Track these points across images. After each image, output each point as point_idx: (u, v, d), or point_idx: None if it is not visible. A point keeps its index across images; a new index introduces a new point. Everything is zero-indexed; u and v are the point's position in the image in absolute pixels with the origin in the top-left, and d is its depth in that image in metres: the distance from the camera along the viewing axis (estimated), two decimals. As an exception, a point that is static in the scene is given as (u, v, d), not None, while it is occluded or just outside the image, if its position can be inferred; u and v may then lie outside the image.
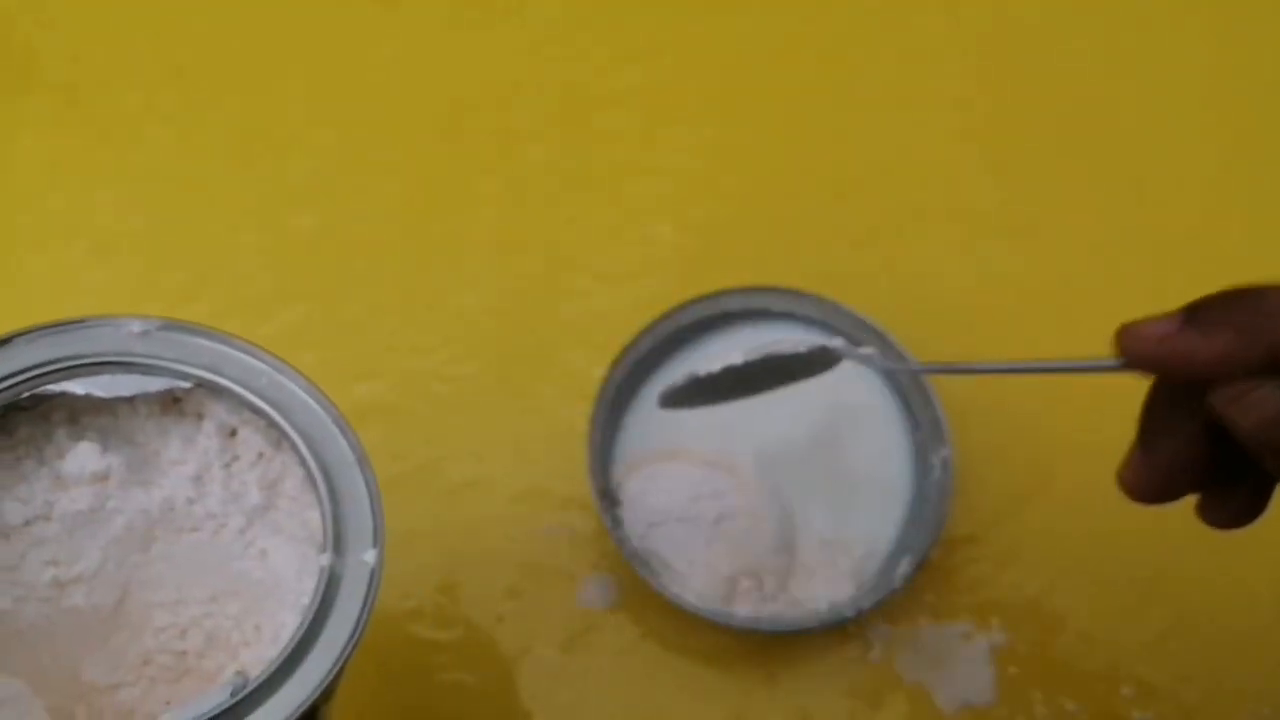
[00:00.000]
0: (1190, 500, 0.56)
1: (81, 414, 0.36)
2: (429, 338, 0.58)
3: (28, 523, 0.34)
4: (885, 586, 0.50)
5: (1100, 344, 0.60)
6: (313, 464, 0.33)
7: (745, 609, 0.50)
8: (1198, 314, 0.35)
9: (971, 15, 0.70)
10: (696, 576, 0.51)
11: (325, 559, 0.32)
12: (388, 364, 0.57)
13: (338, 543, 0.32)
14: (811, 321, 0.56)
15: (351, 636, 0.31)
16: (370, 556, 0.32)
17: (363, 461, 0.34)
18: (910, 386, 0.54)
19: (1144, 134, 0.66)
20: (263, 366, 0.35)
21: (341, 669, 0.31)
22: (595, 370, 0.53)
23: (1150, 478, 0.37)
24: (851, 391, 0.55)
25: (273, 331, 0.58)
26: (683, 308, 0.55)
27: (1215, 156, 0.65)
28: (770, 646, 0.52)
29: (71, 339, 0.34)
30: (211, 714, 0.29)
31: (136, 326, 0.35)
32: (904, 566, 0.51)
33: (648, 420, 0.54)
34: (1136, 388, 0.59)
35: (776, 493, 0.53)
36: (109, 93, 0.64)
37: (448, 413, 0.57)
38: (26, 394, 0.33)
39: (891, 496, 0.54)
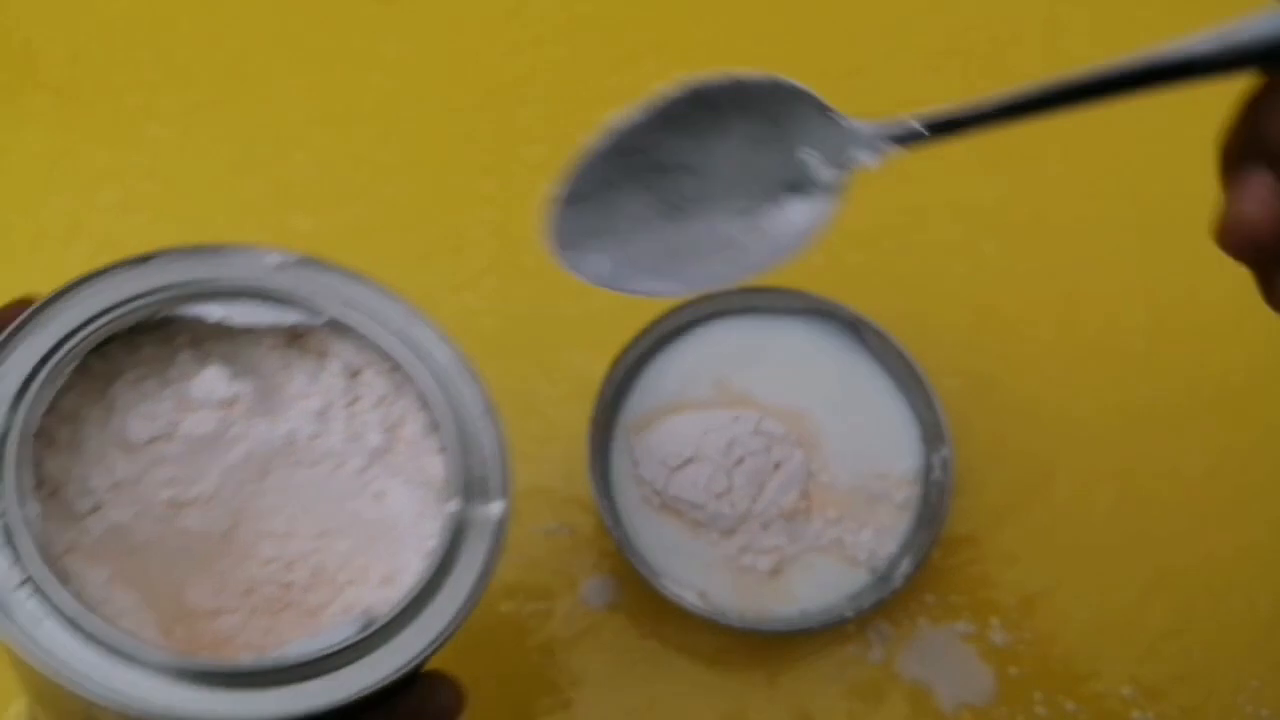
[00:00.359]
0: (1191, 499, 0.56)
1: (205, 340, 0.35)
2: (429, 337, 0.58)
3: (151, 440, 0.34)
4: (885, 586, 0.50)
5: (1099, 343, 0.60)
6: (443, 411, 0.33)
7: (769, 563, 0.51)
8: None
9: (971, 14, 0.70)
10: (724, 515, 0.51)
11: (453, 505, 0.32)
12: (388, 364, 0.57)
13: (465, 491, 0.32)
14: (811, 321, 0.56)
15: (477, 587, 0.31)
16: (497, 508, 0.32)
17: (491, 412, 0.34)
18: (911, 386, 0.54)
19: (1144, 133, 0.66)
20: (396, 310, 0.35)
21: (465, 619, 0.31)
22: (595, 370, 0.53)
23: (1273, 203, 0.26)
24: (850, 390, 0.55)
25: (273, 331, 0.58)
26: (682, 307, 0.55)
27: (1215, 155, 0.65)
28: (770, 646, 0.52)
29: (211, 263, 0.34)
30: (338, 648, 0.29)
31: (274, 259, 0.34)
32: (904, 566, 0.51)
33: (645, 408, 0.54)
34: (1139, 385, 0.59)
35: (785, 422, 0.54)
36: (109, 92, 0.64)
37: (448, 412, 0.57)
38: (163, 313, 0.33)
39: (892, 496, 0.54)
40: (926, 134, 0.32)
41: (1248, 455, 0.57)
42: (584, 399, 0.53)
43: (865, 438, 0.54)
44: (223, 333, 0.35)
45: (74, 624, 0.28)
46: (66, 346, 0.31)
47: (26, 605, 0.28)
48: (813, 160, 0.32)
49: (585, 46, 0.67)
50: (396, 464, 0.35)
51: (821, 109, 0.31)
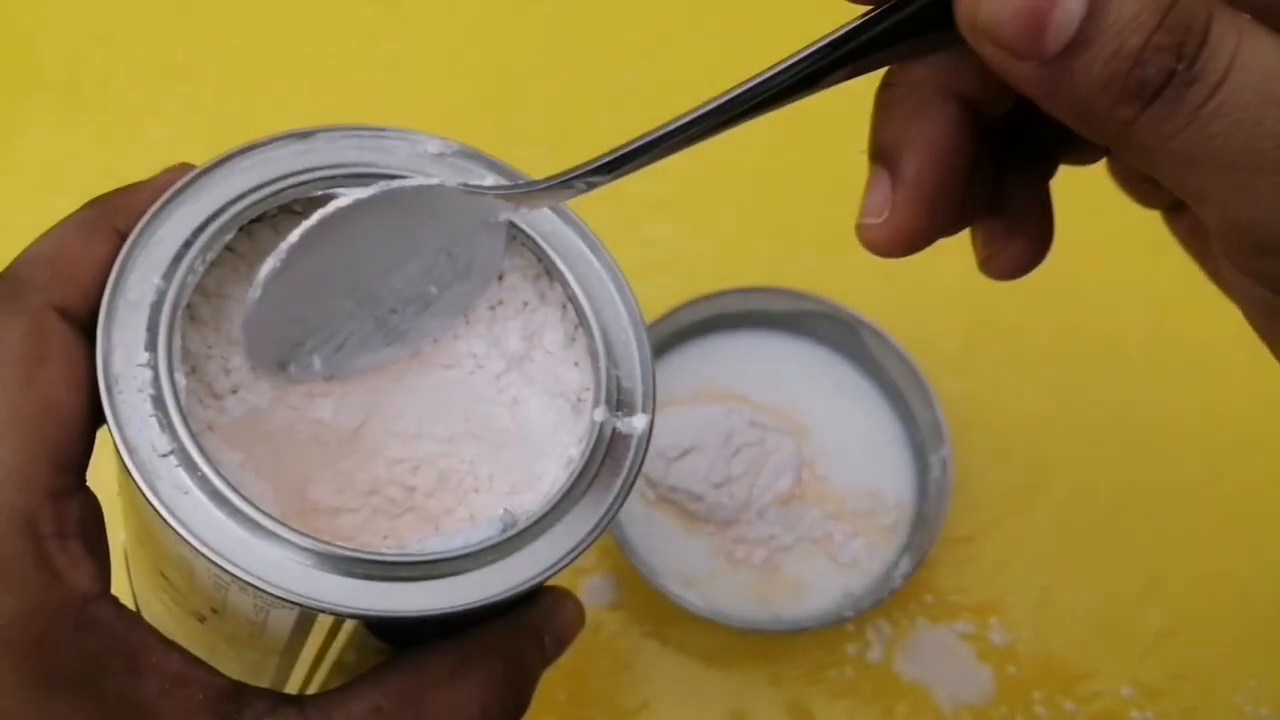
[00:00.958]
0: (1189, 499, 0.56)
1: None
2: (429, 338, 0.58)
3: None
4: (885, 586, 0.50)
5: (1098, 344, 0.60)
6: (591, 318, 0.32)
7: (760, 554, 0.52)
8: None
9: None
10: (724, 506, 0.52)
11: (599, 414, 0.30)
12: (388, 364, 0.58)
13: (608, 402, 0.31)
14: (812, 321, 0.56)
15: (617, 499, 0.30)
16: (640, 421, 0.31)
17: (638, 324, 0.32)
18: (910, 387, 0.54)
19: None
20: (548, 212, 0.34)
21: (603, 531, 0.30)
22: (595, 371, 0.53)
23: (904, 211, 0.28)
24: (850, 391, 0.55)
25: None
26: (683, 308, 0.55)
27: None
28: (770, 646, 0.52)
29: (371, 146, 0.32)
30: (479, 547, 0.28)
31: (434, 146, 0.33)
32: (903, 566, 0.51)
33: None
34: (1138, 385, 0.59)
35: (777, 417, 0.54)
36: (110, 92, 0.64)
37: (448, 413, 0.57)
38: (319, 192, 0.31)
39: (892, 497, 0.54)
40: (583, 186, 0.32)
41: (1245, 456, 0.58)
42: (584, 399, 0.53)
43: (859, 450, 0.55)
44: None
45: (220, 498, 0.27)
46: (223, 217, 0.30)
47: (172, 474, 0.27)
48: (466, 224, 0.33)
49: (585, 47, 0.67)
50: (533, 373, 0.34)
51: (456, 190, 0.31)
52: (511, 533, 0.28)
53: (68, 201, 0.64)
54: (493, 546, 0.28)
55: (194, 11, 0.67)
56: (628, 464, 0.30)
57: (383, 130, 0.33)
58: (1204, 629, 0.54)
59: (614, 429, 0.31)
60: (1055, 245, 0.66)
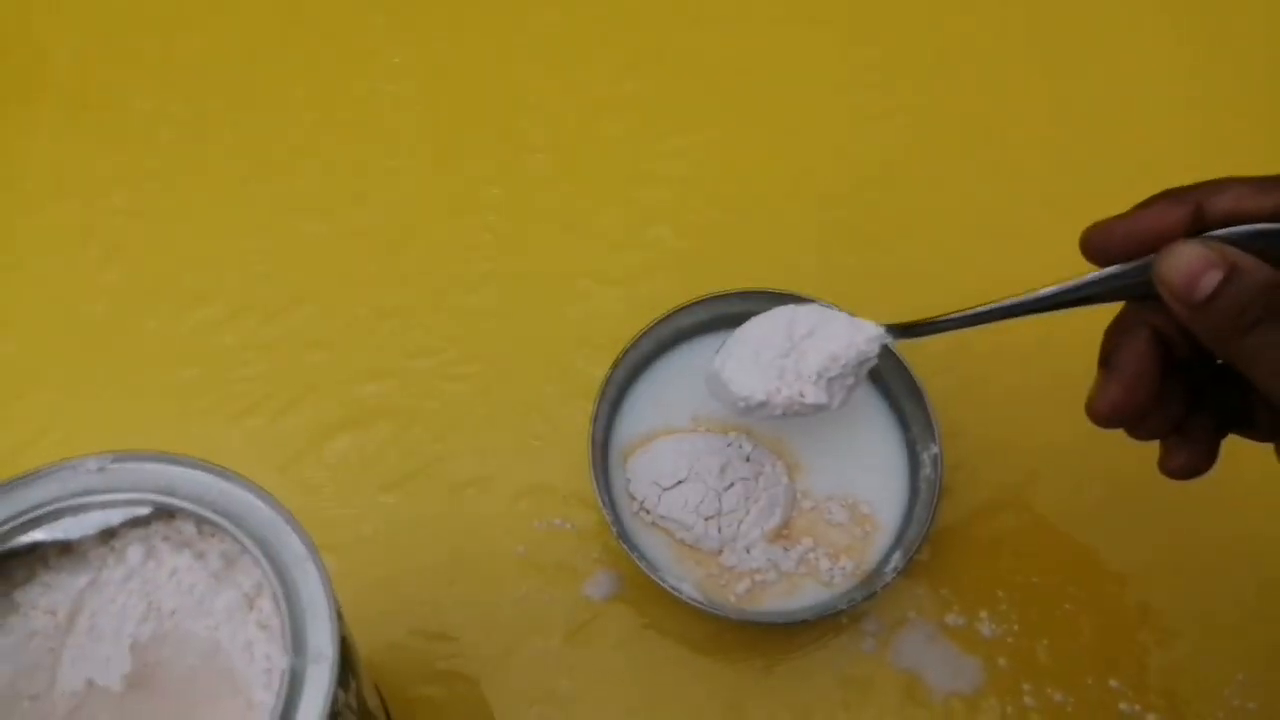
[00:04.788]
0: (1177, 495, 0.57)
1: (50, 556, 0.37)
2: (435, 339, 0.59)
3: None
4: (877, 580, 0.51)
5: (1088, 341, 0.60)
6: (266, 566, 0.34)
7: (756, 589, 0.52)
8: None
9: (964, 22, 0.70)
10: (711, 538, 0.52)
11: (286, 661, 0.33)
12: (395, 364, 0.58)
13: (297, 641, 0.33)
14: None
15: None
16: (328, 650, 0.33)
17: (313, 556, 0.35)
18: (900, 384, 0.55)
19: (1141, 134, 0.67)
20: (212, 479, 0.36)
21: None
22: (596, 370, 0.54)
23: (1113, 388, 0.41)
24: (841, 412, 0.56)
25: (283, 333, 0.59)
26: (682, 310, 0.55)
27: (1214, 152, 0.66)
28: (766, 637, 0.53)
29: (32, 488, 0.36)
30: None
31: (93, 464, 0.36)
32: (895, 560, 0.52)
33: (645, 408, 0.55)
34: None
35: (776, 450, 0.55)
36: (119, 98, 0.64)
37: (453, 412, 0.57)
38: (7, 545, 0.35)
39: (883, 492, 0.55)
40: None
41: (1232, 453, 0.58)
42: (585, 398, 0.54)
43: (849, 449, 0.55)
44: (60, 548, 0.37)
45: None
46: None
47: None
48: None
49: (587, 56, 0.67)
50: (260, 618, 0.37)
51: None
52: None
53: (76, 206, 0.65)
54: None
55: (203, 20, 0.67)
56: (323, 696, 0.32)
57: (38, 470, 0.36)
58: (1193, 622, 0.54)
59: (305, 665, 0.33)
60: (1054, 243, 0.65)
